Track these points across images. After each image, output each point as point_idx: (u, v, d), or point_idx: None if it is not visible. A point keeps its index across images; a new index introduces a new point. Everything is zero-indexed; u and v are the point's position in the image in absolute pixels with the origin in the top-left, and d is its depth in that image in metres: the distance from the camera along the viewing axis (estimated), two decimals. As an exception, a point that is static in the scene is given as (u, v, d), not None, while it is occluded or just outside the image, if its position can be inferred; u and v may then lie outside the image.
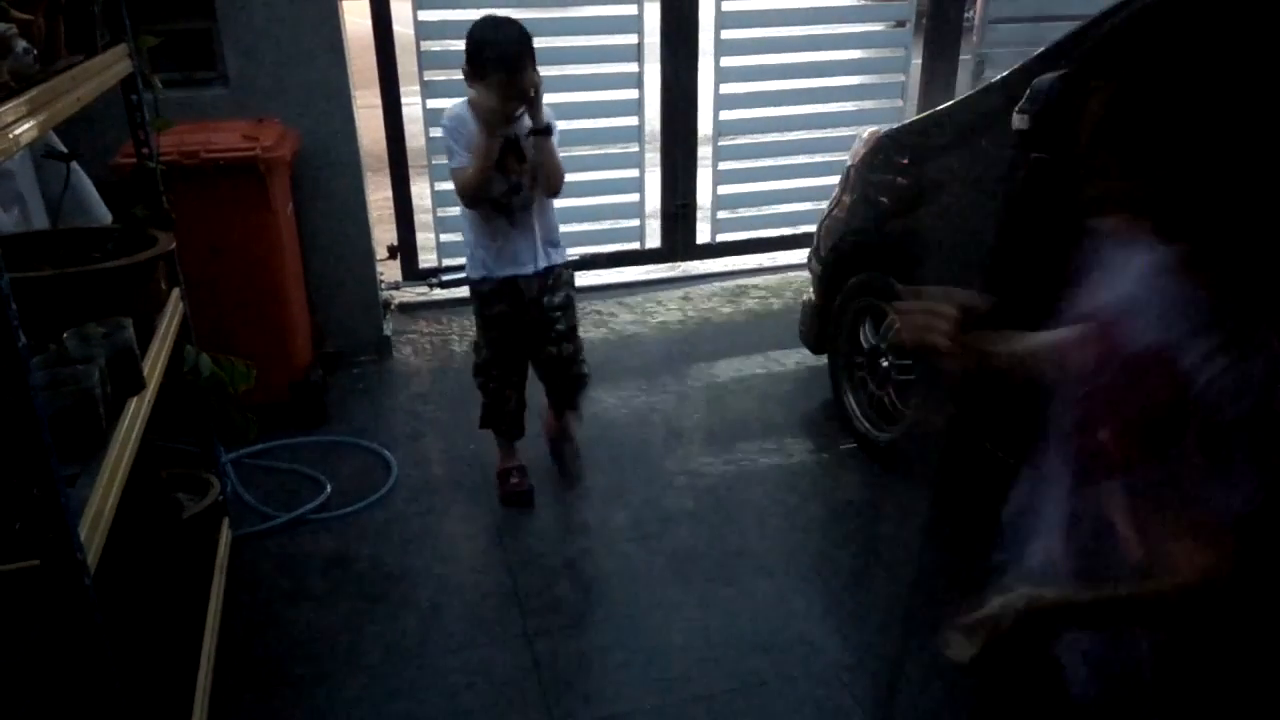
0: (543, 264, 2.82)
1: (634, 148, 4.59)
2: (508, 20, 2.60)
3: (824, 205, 3.58)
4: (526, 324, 2.88)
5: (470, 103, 2.66)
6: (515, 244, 2.78)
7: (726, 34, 4.54)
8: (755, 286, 4.86)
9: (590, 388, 3.06)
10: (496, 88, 2.56)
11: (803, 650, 2.42)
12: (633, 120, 4.52)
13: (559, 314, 2.88)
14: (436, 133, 4.25)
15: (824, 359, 3.60)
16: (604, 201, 4.70)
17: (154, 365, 1.91)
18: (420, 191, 4.53)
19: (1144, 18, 1.03)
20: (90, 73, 1.82)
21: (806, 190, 4.87)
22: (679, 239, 4.93)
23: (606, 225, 4.76)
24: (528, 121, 2.68)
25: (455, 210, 4.56)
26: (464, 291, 4.61)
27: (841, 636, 2.48)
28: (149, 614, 2.09)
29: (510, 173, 2.69)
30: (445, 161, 4.22)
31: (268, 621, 2.52)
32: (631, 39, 4.37)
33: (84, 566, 1.35)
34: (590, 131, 4.53)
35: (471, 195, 2.70)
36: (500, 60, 2.54)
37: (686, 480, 3.16)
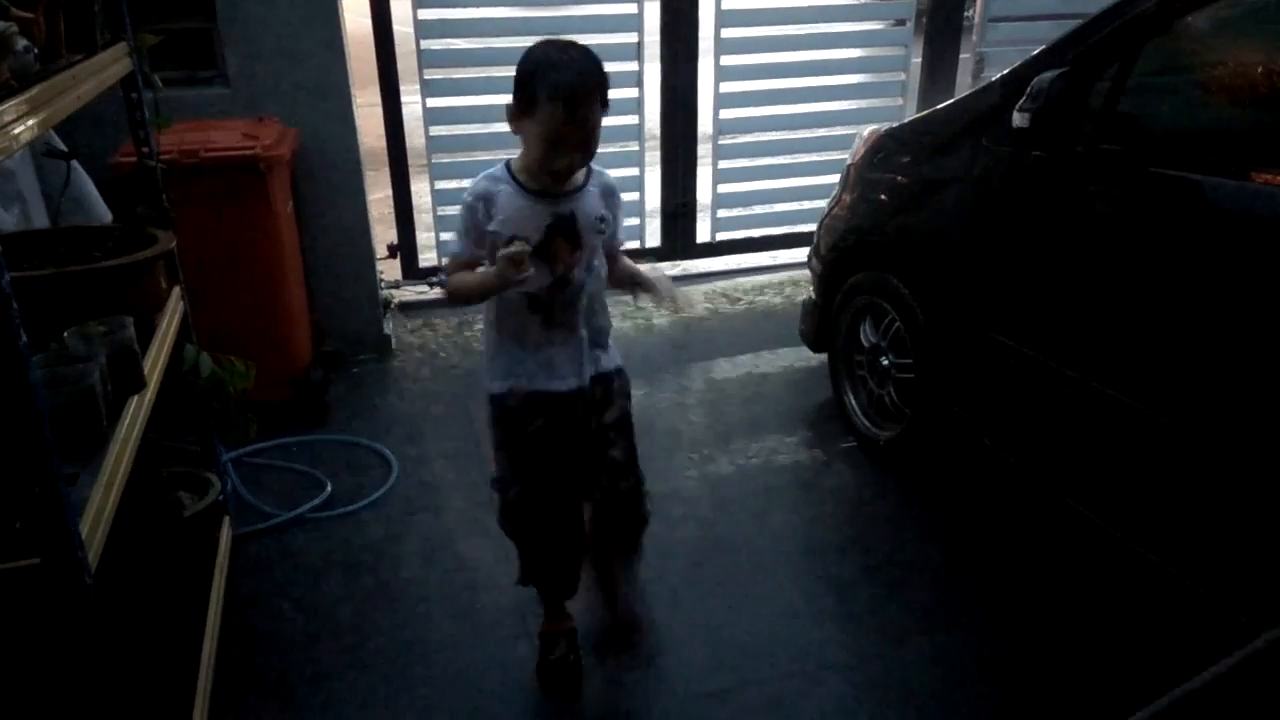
0: (588, 375, 2.09)
1: (634, 146, 4.58)
2: (576, 44, 1.90)
3: (824, 204, 3.59)
4: (572, 445, 2.14)
5: (512, 165, 2.00)
6: (552, 351, 2.06)
7: (726, 32, 4.55)
8: (755, 285, 4.86)
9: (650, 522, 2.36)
10: (547, 125, 1.84)
11: (802, 648, 2.42)
12: (632, 119, 4.52)
13: (614, 435, 2.18)
14: (436, 131, 4.28)
15: (824, 357, 3.60)
16: (604, 200, 4.69)
17: (154, 364, 1.91)
18: (420, 190, 4.54)
19: None
20: (90, 71, 1.82)
21: (806, 189, 4.88)
22: (679, 238, 4.93)
23: (606, 224, 4.75)
24: (592, 206, 2.01)
25: (455, 209, 4.59)
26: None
27: (841, 635, 2.48)
28: (149, 613, 2.10)
29: (557, 262, 1.99)
30: (443, 159, 4.11)
31: (268, 620, 2.52)
32: (631, 38, 4.36)
33: (84, 565, 1.35)
34: (590, 130, 4.52)
35: (464, 302, 2.10)
36: (561, 87, 1.81)
37: (685, 478, 3.16)
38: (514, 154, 2.01)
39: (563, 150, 1.88)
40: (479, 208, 1.97)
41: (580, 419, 2.12)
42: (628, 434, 2.20)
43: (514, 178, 1.97)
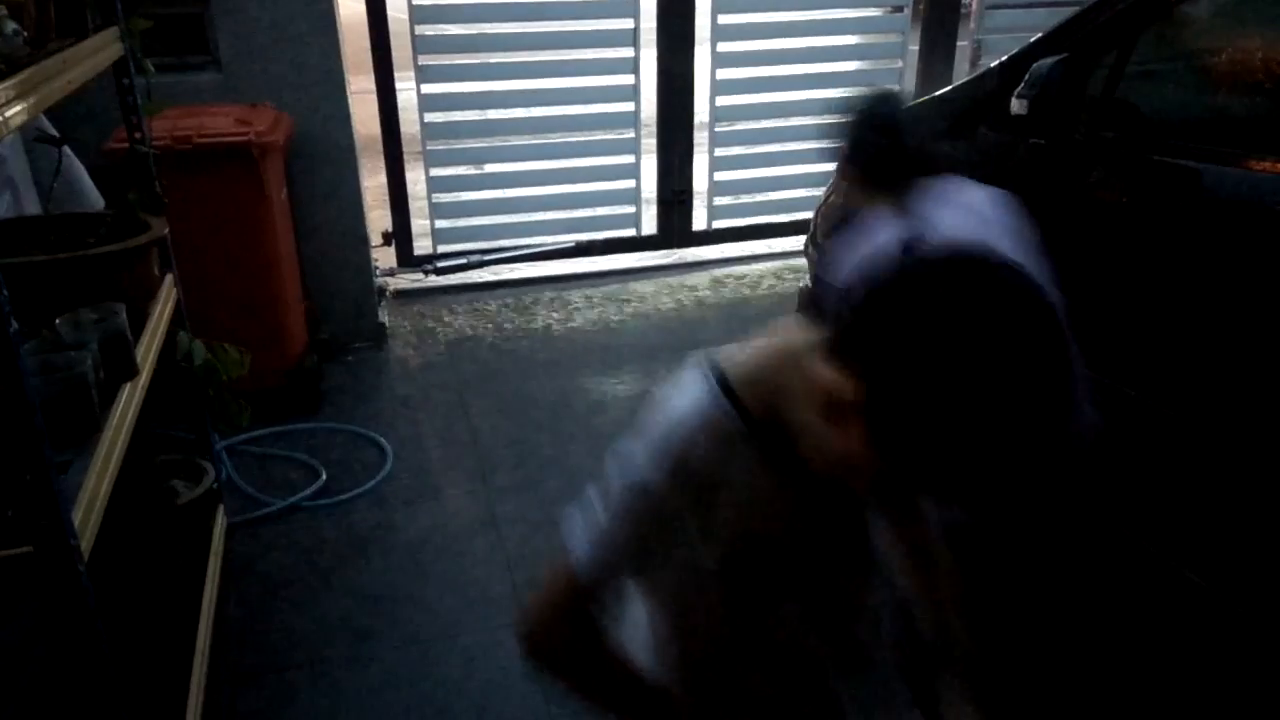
0: None
1: (630, 134, 4.56)
2: (1035, 318, 0.79)
3: (821, 191, 3.57)
4: None
5: (742, 386, 0.99)
6: None
7: (723, 19, 4.52)
8: (751, 273, 4.85)
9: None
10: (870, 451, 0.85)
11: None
12: (629, 106, 4.50)
13: None
14: (431, 117, 4.25)
15: (820, 346, 3.59)
16: (600, 188, 4.68)
17: (147, 351, 1.90)
18: (415, 177, 4.51)
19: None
20: (81, 56, 1.80)
21: (804, 176, 4.86)
22: (675, 226, 4.91)
23: (602, 212, 4.73)
24: None
25: (450, 196, 4.58)
26: (460, 279, 4.62)
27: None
28: (143, 602, 2.09)
29: (855, 612, 1.11)
30: (438, 146, 4.01)
31: (263, 609, 2.52)
32: (628, 23, 4.34)
33: (77, 553, 1.34)
34: (586, 117, 4.51)
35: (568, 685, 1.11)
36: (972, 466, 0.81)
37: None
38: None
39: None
40: (669, 499, 0.96)
41: None
42: None
43: (759, 428, 0.96)
